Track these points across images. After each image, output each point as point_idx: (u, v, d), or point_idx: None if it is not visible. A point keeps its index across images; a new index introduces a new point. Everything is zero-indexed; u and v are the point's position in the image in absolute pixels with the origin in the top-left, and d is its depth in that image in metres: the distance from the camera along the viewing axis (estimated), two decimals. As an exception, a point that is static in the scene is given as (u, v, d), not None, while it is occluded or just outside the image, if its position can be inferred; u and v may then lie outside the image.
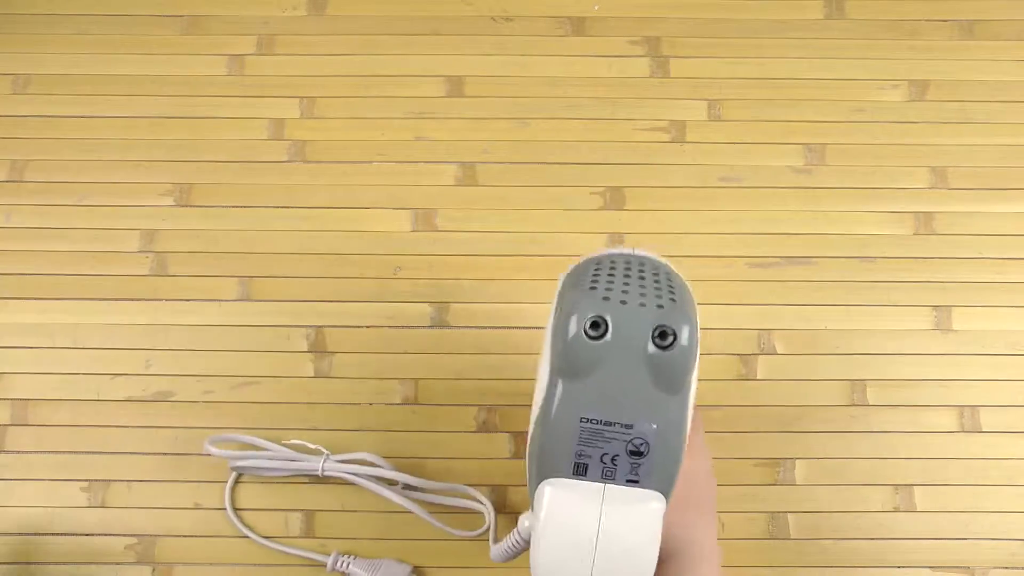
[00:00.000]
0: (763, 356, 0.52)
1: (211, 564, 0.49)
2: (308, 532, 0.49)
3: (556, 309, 0.35)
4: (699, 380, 0.51)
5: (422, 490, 0.49)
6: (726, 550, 0.49)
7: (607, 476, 0.34)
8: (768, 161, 0.56)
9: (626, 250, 0.37)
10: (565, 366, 0.34)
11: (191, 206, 0.55)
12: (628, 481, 0.34)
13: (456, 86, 0.57)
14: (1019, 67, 0.57)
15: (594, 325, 0.33)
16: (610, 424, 0.34)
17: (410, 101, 0.57)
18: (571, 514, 0.34)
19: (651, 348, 0.32)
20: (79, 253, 0.54)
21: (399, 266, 0.54)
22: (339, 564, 0.47)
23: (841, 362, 0.52)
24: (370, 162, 0.56)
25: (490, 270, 0.53)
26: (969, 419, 0.51)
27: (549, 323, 0.35)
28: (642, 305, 0.33)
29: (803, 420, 0.51)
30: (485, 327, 0.52)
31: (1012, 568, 0.49)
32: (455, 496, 0.49)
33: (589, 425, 0.34)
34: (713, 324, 0.52)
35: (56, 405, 0.51)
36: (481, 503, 0.48)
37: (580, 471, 0.34)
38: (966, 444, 0.51)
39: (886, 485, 0.50)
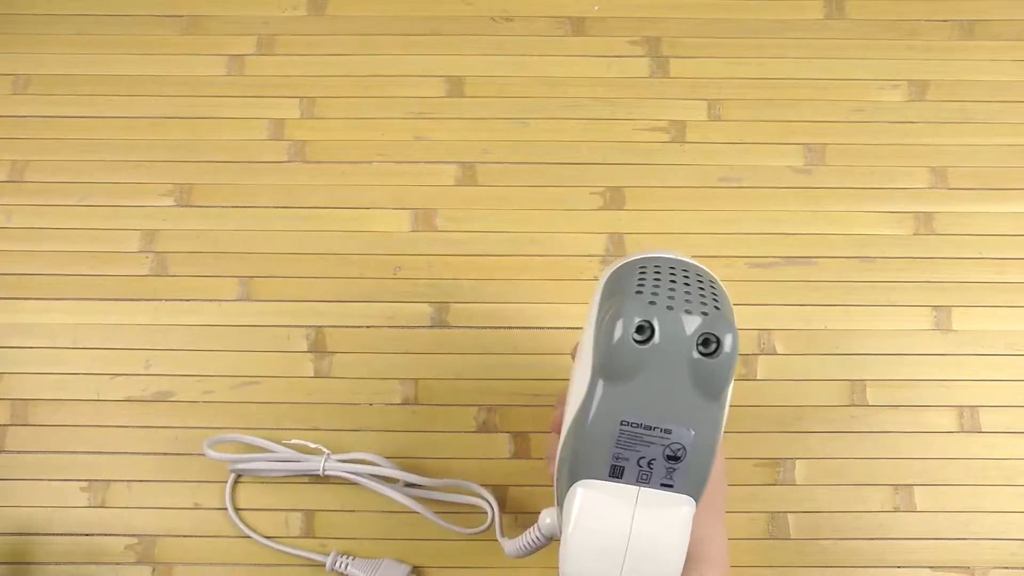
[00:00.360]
0: (763, 356, 0.52)
1: (211, 564, 0.49)
2: (308, 532, 0.49)
3: (599, 310, 0.35)
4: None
5: (424, 487, 0.49)
6: (726, 550, 0.49)
7: (642, 479, 0.34)
8: (768, 161, 0.56)
9: (667, 254, 0.37)
10: (608, 369, 0.33)
11: (191, 206, 0.55)
12: (663, 485, 0.34)
13: (456, 86, 0.57)
14: (1019, 67, 0.57)
15: (640, 329, 0.33)
16: (650, 428, 0.34)
17: (410, 101, 0.57)
18: (604, 515, 0.34)
19: (695, 355, 0.33)
20: (79, 253, 0.54)
21: (399, 266, 0.54)
22: (338, 564, 0.47)
23: (841, 362, 0.52)
24: (370, 162, 0.56)
25: (490, 270, 0.53)
26: (969, 419, 0.51)
27: (590, 324, 0.35)
28: (688, 312, 0.33)
29: (803, 420, 0.51)
30: (485, 327, 0.52)
31: (1012, 568, 0.49)
32: (457, 492, 0.49)
33: (629, 428, 0.34)
34: (713, 324, 0.52)
35: (56, 405, 0.51)
36: (484, 498, 0.48)
37: (616, 473, 0.34)
38: (966, 444, 0.51)
39: (886, 485, 0.50)
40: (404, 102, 0.57)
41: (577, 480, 0.35)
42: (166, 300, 0.53)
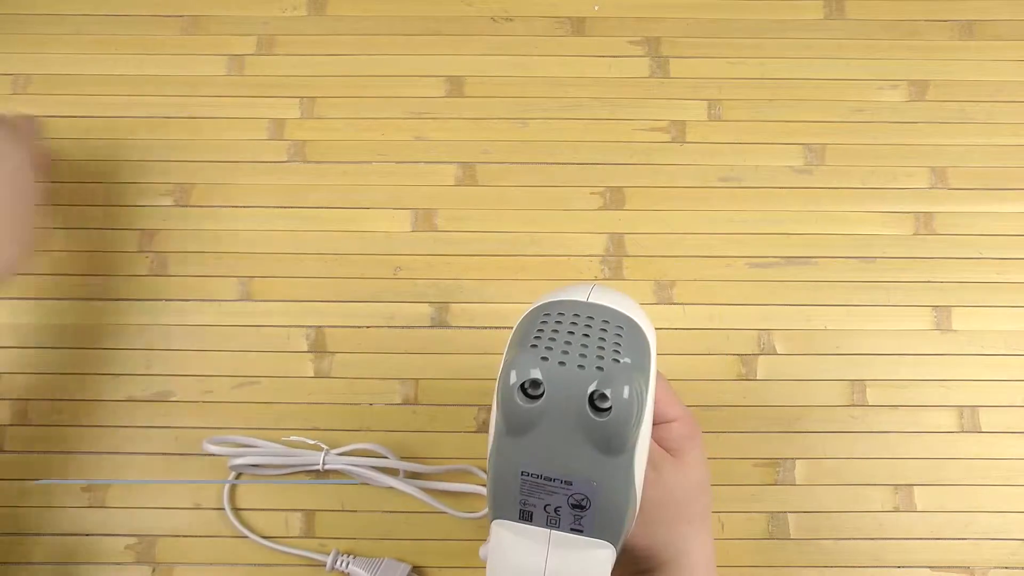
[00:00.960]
0: (763, 356, 0.52)
1: (211, 564, 0.49)
2: (308, 532, 0.49)
3: (503, 360, 0.34)
4: (699, 380, 0.51)
5: (425, 476, 0.49)
6: (726, 550, 0.49)
7: (552, 524, 0.34)
8: (768, 161, 0.56)
9: (583, 291, 0.36)
10: (505, 421, 0.33)
11: (191, 206, 0.55)
12: (572, 530, 0.34)
13: (456, 86, 0.57)
14: (1019, 67, 0.57)
15: (532, 385, 0.32)
16: (550, 480, 0.33)
17: (410, 101, 0.57)
18: (518, 556, 0.34)
19: (588, 412, 0.31)
20: (79, 253, 0.54)
21: (399, 266, 0.54)
22: (339, 563, 0.47)
23: (841, 362, 0.52)
24: (370, 162, 0.56)
25: (490, 270, 0.53)
26: (969, 419, 0.51)
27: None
28: (581, 367, 0.32)
29: (803, 420, 0.51)
30: (485, 327, 0.52)
31: (1012, 568, 0.49)
32: (458, 482, 0.49)
33: (530, 479, 0.33)
34: (713, 324, 0.52)
35: (56, 405, 0.51)
36: (480, 482, 0.48)
37: (526, 517, 0.34)
38: (966, 444, 0.51)
39: (886, 485, 0.50)
40: (404, 102, 0.57)
41: (495, 519, 0.34)
42: (166, 300, 0.53)
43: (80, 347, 0.52)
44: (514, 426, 0.33)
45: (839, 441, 0.51)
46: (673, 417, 0.41)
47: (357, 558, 0.48)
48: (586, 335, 0.33)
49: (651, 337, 0.36)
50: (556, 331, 0.33)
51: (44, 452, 0.50)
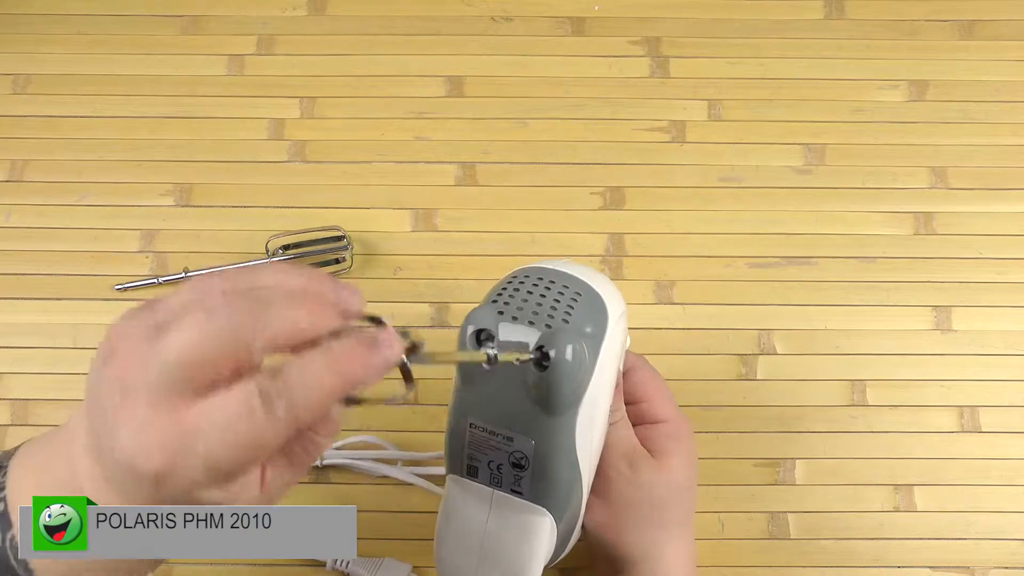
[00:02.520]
0: (763, 356, 0.52)
1: (211, 564, 0.49)
2: (308, 532, 0.49)
3: None
4: (699, 380, 0.51)
5: (423, 463, 0.49)
6: (726, 550, 0.49)
7: (495, 482, 0.35)
8: (768, 161, 0.56)
9: (551, 266, 0.37)
10: (460, 371, 0.35)
11: (191, 206, 0.55)
12: (512, 491, 0.35)
13: (456, 86, 0.57)
14: (1019, 67, 0.57)
15: (487, 337, 0.34)
16: (493, 433, 0.34)
17: (410, 101, 0.57)
18: (464, 511, 0.36)
19: (531, 366, 0.33)
20: (79, 253, 0.54)
21: (399, 266, 0.54)
22: (339, 563, 0.47)
23: (841, 362, 0.52)
24: (370, 162, 0.56)
25: (490, 270, 0.53)
26: (969, 419, 0.51)
27: None
28: (531, 323, 0.34)
29: (803, 420, 0.51)
30: (485, 327, 0.52)
31: (1012, 568, 0.49)
32: None
33: (475, 431, 0.35)
34: (713, 324, 0.52)
35: (56, 405, 0.51)
36: None
37: (472, 472, 0.35)
38: (966, 444, 0.51)
39: (886, 485, 0.50)
40: (404, 102, 0.57)
41: (447, 473, 0.36)
42: (166, 300, 0.53)
43: (80, 347, 0.52)
44: (466, 375, 0.35)
45: (839, 441, 0.51)
46: (663, 418, 0.41)
47: (357, 558, 0.48)
48: (543, 296, 0.35)
49: (613, 310, 0.36)
50: (517, 290, 0.35)
51: (44, 452, 0.50)
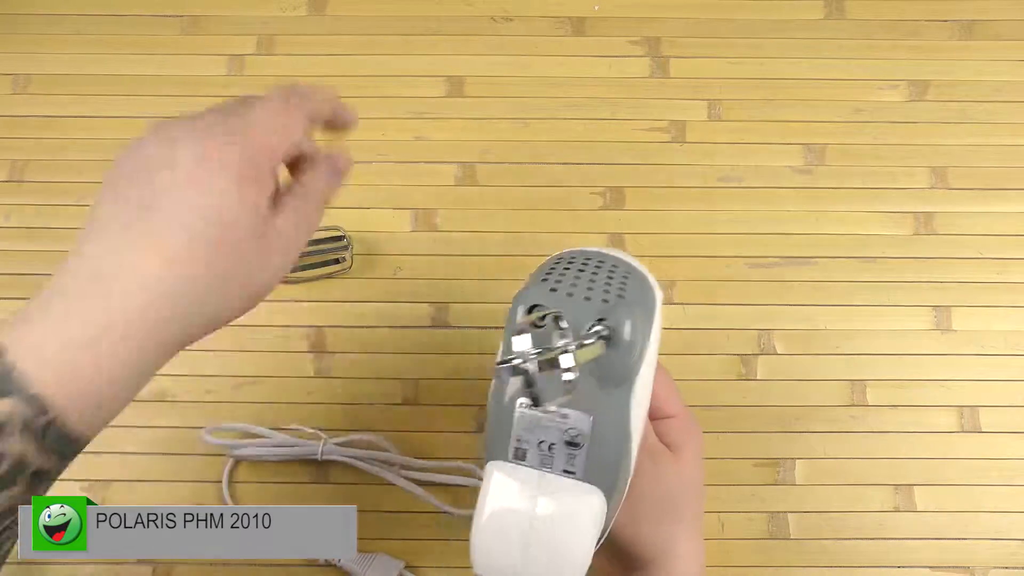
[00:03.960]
0: (763, 356, 0.52)
1: (211, 564, 0.49)
2: (308, 532, 0.49)
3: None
4: (699, 380, 0.51)
5: (419, 469, 0.49)
6: (726, 550, 0.49)
7: (545, 464, 0.34)
8: (768, 161, 0.56)
9: (595, 249, 0.37)
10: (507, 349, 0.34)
11: (191, 206, 0.55)
12: (565, 472, 0.34)
13: (456, 86, 0.57)
14: (1019, 67, 0.57)
15: (536, 314, 0.33)
16: (546, 411, 0.33)
17: (410, 101, 0.57)
18: (508, 495, 0.34)
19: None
20: (79, 253, 0.54)
21: (399, 266, 0.54)
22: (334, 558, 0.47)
23: (841, 362, 0.52)
24: (370, 162, 0.56)
25: (490, 270, 0.53)
26: (969, 419, 0.51)
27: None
28: (587, 299, 0.34)
29: (803, 420, 0.51)
30: (485, 327, 0.52)
31: (1012, 568, 0.49)
32: (451, 473, 0.49)
33: (526, 411, 0.34)
34: (713, 324, 0.52)
35: (56, 405, 0.51)
36: (478, 478, 0.48)
37: (519, 456, 0.34)
38: (966, 444, 0.51)
39: (886, 485, 0.50)
40: (404, 102, 0.57)
41: (489, 461, 0.35)
42: (166, 300, 0.53)
43: (80, 347, 0.52)
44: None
45: (839, 441, 0.51)
46: (673, 414, 0.41)
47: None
48: (595, 275, 0.35)
49: (658, 294, 0.37)
50: (567, 269, 0.35)
51: (44, 452, 0.50)
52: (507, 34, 0.58)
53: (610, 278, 0.35)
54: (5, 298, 0.53)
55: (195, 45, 0.58)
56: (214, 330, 0.31)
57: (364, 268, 0.53)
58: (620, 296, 0.34)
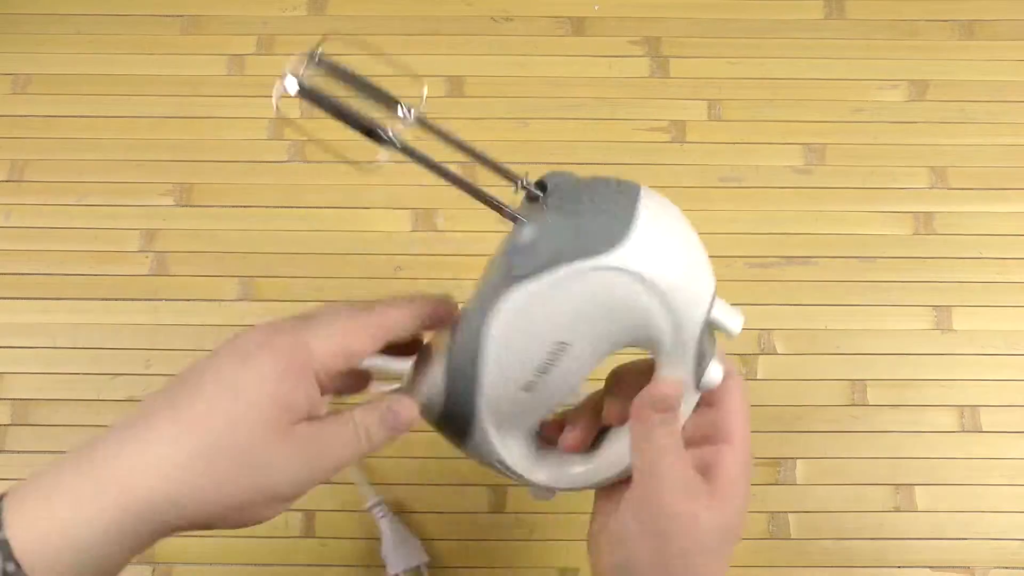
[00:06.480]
0: (763, 356, 0.52)
1: (211, 564, 0.49)
2: (308, 532, 0.49)
3: None
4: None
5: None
6: (726, 550, 0.49)
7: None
8: (768, 161, 0.56)
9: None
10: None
11: (191, 206, 0.55)
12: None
13: (456, 86, 0.57)
14: (1019, 67, 0.57)
15: (539, 186, 0.39)
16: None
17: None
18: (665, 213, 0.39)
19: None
20: (79, 253, 0.54)
21: (399, 266, 0.54)
22: (377, 511, 0.48)
23: (841, 362, 0.52)
24: (370, 162, 0.56)
25: (490, 270, 0.53)
26: (969, 419, 0.51)
27: None
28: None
29: (803, 420, 0.51)
30: (485, 327, 0.52)
31: (1012, 568, 0.49)
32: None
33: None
34: (713, 324, 0.52)
35: (56, 405, 0.51)
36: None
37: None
38: (967, 444, 0.50)
39: (886, 485, 0.50)
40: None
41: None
42: (166, 300, 0.53)
43: (80, 347, 0.52)
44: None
45: (839, 441, 0.51)
46: (732, 439, 0.35)
47: (395, 517, 0.48)
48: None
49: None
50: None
51: (44, 452, 0.50)
52: (507, 34, 0.58)
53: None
54: (5, 298, 0.53)
55: (195, 45, 0.58)
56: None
57: (364, 268, 0.53)
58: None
